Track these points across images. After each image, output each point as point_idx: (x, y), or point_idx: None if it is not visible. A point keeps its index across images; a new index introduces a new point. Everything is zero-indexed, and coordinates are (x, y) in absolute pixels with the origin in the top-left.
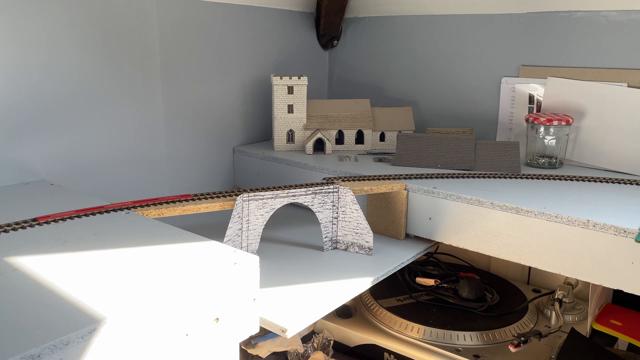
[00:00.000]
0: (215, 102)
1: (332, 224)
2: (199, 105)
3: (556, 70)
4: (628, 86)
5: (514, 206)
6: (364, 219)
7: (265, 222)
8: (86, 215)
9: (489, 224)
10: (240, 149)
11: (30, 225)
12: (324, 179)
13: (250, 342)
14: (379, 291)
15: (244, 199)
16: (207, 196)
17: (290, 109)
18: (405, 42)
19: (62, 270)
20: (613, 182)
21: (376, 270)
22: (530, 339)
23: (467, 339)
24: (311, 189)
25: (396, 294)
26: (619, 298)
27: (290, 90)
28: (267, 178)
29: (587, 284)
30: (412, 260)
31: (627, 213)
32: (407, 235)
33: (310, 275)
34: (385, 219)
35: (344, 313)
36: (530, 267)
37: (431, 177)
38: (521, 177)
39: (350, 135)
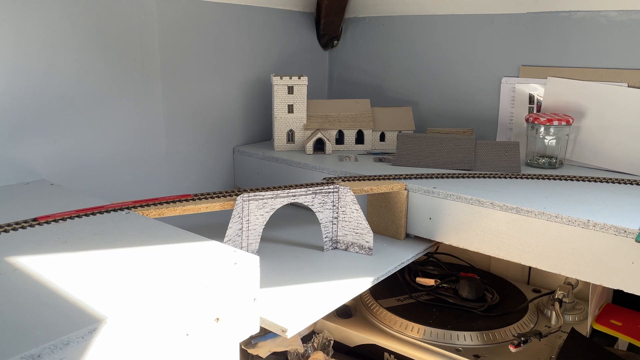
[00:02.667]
0: (215, 102)
1: (332, 224)
2: (199, 105)
3: (556, 70)
4: (628, 86)
5: (514, 206)
6: (364, 219)
7: (265, 222)
8: (86, 215)
9: (489, 224)
10: (240, 149)
11: (31, 225)
12: (324, 179)
13: (250, 342)
14: (379, 291)
15: (244, 199)
16: (207, 196)
17: (290, 109)
18: (405, 42)
19: (62, 270)
20: (613, 182)
21: (376, 270)
22: (530, 339)
23: (467, 339)
24: (311, 189)
25: (396, 294)
26: (619, 298)
27: (290, 90)
28: (267, 178)
29: (587, 284)
30: (412, 260)
31: (627, 213)
32: (407, 235)
33: (310, 275)
34: (385, 219)
35: (344, 313)
36: (530, 267)
37: (431, 177)
38: (521, 177)
39: (350, 135)
